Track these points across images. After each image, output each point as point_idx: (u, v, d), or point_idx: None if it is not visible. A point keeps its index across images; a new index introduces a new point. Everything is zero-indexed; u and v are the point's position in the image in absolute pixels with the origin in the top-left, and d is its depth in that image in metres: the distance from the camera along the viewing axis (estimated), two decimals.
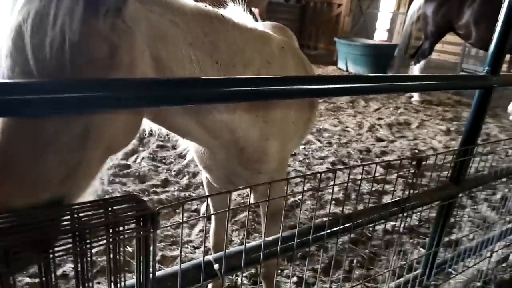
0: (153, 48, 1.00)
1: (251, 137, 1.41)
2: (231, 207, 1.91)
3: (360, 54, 9.23)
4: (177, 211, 3.01)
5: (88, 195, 0.98)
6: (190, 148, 1.75)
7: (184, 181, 3.46)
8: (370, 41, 10.68)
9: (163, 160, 3.83)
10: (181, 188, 3.33)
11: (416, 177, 1.48)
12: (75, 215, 0.80)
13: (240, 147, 1.41)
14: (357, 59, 9.34)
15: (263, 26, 1.90)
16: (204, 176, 1.90)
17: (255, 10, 8.64)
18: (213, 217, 2.14)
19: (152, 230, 0.86)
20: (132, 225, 0.85)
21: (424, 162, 1.50)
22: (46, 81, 0.76)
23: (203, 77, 1.10)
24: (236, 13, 1.48)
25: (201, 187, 3.39)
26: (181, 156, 3.93)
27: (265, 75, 1.37)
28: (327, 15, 11.67)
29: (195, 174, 3.58)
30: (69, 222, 0.78)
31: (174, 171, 3.62)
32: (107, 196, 0.88)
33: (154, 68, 1.01)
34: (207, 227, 2.74)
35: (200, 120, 1.24)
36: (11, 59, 0.79)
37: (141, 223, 0.85)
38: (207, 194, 2.05)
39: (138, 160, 3.75)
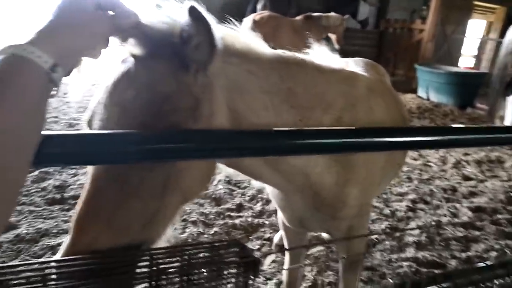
0: (229, 100, 1.03)
1: (326, 182, 1.33)
2: (306, 244, 1.87)
3: (444, 82, 8.67)
4: (250, 237, 3.05)
5: (163, 241, 1.01)
6: (265, 186, 1.71)
7: (258, 207, 3.50)
8: (455, 69, 10.01)
9: (238, 184, 3.92)
10: (254, 214, 3.37)
11: None
12: (184, 256, 0.85)
13: (314, 191, 1.35)
14: (441, 87, 8.78)
15: (354, 63, 1.85)
16: (279, 213, 1.89)
17: (332, 37, 8.65)
18: (287, 252, 2.12)
19: (253, 277, 0.87)
20: (234, 270, 0.88)
21: None
22: (138, 132, 0.81)
23: (275, 129, 1.04)
24: (321, 54, 1.45)
25: (274, 214, 3.39)
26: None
27: (348, 118, 1.30)
28: (407, 41, 11.23)
29: (268, 201, 3.60)
30: (179, 264, 0.83)
31: (248, 196, 3.69)
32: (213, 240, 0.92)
33: (230, 118, 1.04)
34: (280, 259, 2.73)
35: (273, 165, 1.22)
36: (106, 110, 0.88)
37: (243, 268, 0.88)
38: (282, 230, 2.03)
39: (215, 183, 3.89)
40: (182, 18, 0.89)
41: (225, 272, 0.86)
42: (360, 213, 1.51)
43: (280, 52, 1.23)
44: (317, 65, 1.31)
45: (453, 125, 1.09)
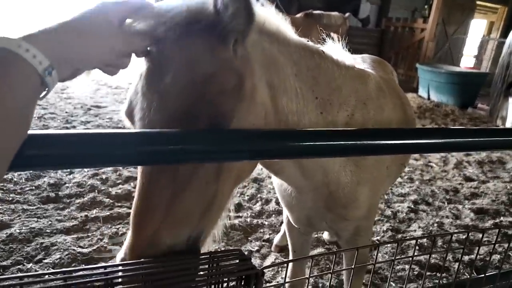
0: (267, 75, 1.00)
1: (342, 181, 1.33)
2: (314, 255, 1.81)
3: (445, 82, 8.61)
4: (249, 238, 2.98)
5: (219, 228, 1.00)
6: (274, 185, 1.70)
7: (257, 207, 3.43)
8: (456, 68, 9.95)
9: None
10: (254, 214, 3.30)
11: None
12: (182, 267, 0.78)
13: (329, 190, 1.35)
14: (441, 87, 8.72)
15: (362, 59, 1.81)
16: (285, 214, 1.84)
17: (334, 35, 8.57)
18: (290, 251, 2.06)
19: None
20: (234, 282, 0.81)
21: None
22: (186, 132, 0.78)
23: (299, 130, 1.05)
24: (335, 50, 1.44)
25: (273, 215, 3.33)
26: (255, 180, 3.93)
27: (359, 117, 1.30)
28: (408, 40, 11.16)
29: (268, 201, 3.53)
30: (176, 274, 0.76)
31: (247, 195, 3.62)
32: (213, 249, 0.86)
33: (269, 96, 1.01)
34: (280, 260, 2.66)
35: (297, 159, 1.21)
36: (146, 98, 0.82)
37: (244, 281, 0.81)
38: (286, 231, 1.97)
39: None
40: None
41: (225, 285, 0.79)
42: (369, 214, 1.51)
43: (304, 40, 1.21)
44: (335, 59, 1.30)
45: (472, 128, 1.02)
